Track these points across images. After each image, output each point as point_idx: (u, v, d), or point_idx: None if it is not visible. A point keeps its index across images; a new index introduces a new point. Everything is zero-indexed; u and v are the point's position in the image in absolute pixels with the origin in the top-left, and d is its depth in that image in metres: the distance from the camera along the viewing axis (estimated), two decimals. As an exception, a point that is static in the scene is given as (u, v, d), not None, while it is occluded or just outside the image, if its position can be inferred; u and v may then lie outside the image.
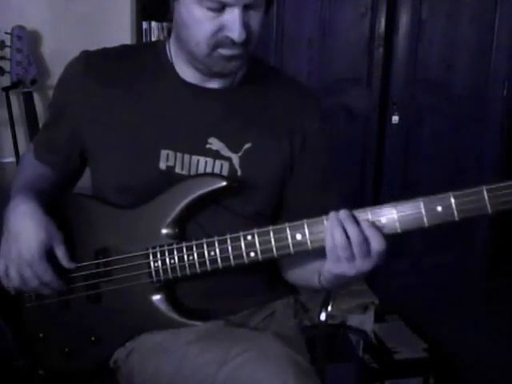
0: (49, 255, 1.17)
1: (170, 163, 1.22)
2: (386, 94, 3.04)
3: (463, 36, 3.05)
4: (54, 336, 1.26)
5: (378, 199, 3.05)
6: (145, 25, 2.58)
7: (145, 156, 1.22)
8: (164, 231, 1.19)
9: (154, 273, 1.19)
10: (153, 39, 2.57)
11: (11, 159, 2.48)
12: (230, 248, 1.13)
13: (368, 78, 3.01)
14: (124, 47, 1.33)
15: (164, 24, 2.56)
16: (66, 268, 1.19)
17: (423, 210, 1.03)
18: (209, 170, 1.22)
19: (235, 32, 1.10)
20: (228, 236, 1.13)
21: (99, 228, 1.24)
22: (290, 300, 1.38)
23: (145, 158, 1.22)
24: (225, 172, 1.21)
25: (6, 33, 2.38)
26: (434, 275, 3.22)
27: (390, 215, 1.04)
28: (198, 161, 1.22)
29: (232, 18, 1.10)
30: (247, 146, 1.22)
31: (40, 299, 1.25)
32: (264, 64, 1.33)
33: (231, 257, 1.13)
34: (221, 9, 1.10)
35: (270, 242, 1.11)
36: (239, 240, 1.13)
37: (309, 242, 1.08)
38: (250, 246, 1.12)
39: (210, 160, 1.22)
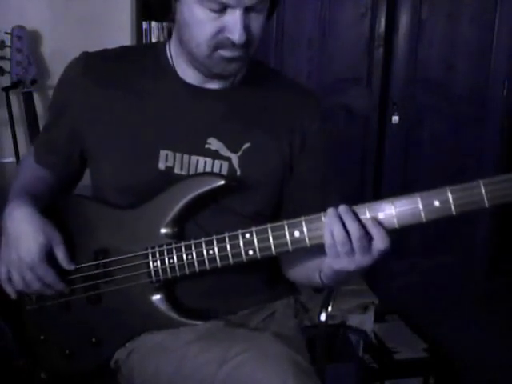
0: (49, 257, 1.17)
1: (169, 163, 1.22)
2: (386, 94, 3.04)
3: (463, 36, 3.05)
4: (55, 338, 1.26)
5: (378, 199, 3.05)
6: (145, 25, 2.58)
7: (144, 156, 1.22)
8: (163, 231, 1.19)
9: (153, 273, 1.19)
10: (153, 39, 2.57)
11: (11, 159, 2.48)
12: (228, 246, 1.13)
13: (368, 78, 3.01)
14: (124, 48, 1.34)
15: (164, 24, 2.56)
16: (66, 269, 1.20)
17: (420, 205, 1.03)
18: (208, 169, 1.22)
19: (236, 34, 1.10)
20: (226, 234, 1.13)
21: (98, 229, 1.24)
22: (290, 300, 1.38)
23: (144, 159, 1.22)
24: (224, 172, 1.21)
25: (6, 33, 2.38)
26: (434, 275, 3.23)
27: (387, 211, 1.04)
28: (198, 161, 1.22)
29: (233, 19, 1.10)
30: (246, 145, 1.22)
31: (40, 301, 1.25)
32: (264, 66, 1.34)
33: (230, 255, 1.13)
34: (222, 10, 1.10)
35: (269, 239, 1.11)
36: (237, 238, 1.13)
37: (307, 238, 1.09)
38: (249, 244, 1.12)
39: (209, 160, 1.22)
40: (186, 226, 1.21)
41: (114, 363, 1.26)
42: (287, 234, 1.09)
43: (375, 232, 1.02)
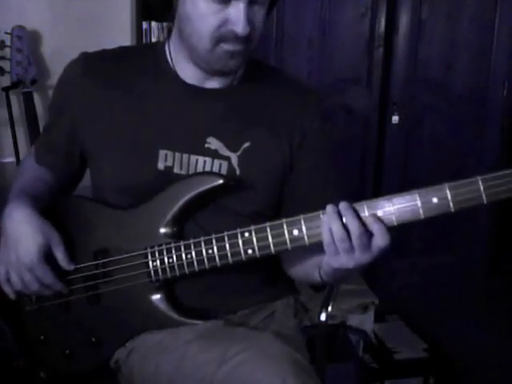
0: (48, 258, 1.17)
1: (169, 163, 1.22)
2: (386, 94, 3.04)
3: (463, 36, 3.05)
4: (55, 338, 1.26)
5: (378, 199, 3.05)
6: (145, 25, 2.58)
7: (143, 156, 1.22)
8: (162, 230, 1.19)
9: (152, 272, 1.19)
10: (153, 39, 2.57)
11: (11, 159, 2.48)
12: (227, 245, 1.13)
13: (368, 78, 3.01)
14: (123, 48, 1.34)
15: (164, 24, 2.56)
16: (66, 269, 1.20)
17: (419, 202, 1.03)
18: (207, 169, 1.22)
19: (239, 25, 1.10)
20: (225, 233, 1.13)
21: (98, 229, 1.24)
22: (290, 300, 1.38)
23: (143, 159, 1.22)
24: (223, 171, 1.21)
25: (6, 33, 2.39)
26: (434, 275, 3.23)
27: (386, 208, 1.04)
28: (197, 160, 1.22)
29: (237, 11, 1.10)
30: (246, 145, 1.22)
31: (40, 302, 1.25)
32: (263, 64, 1.33)
33: (229, 254, 1.13)
34: (226, 2, 1.10)
35: (267, 238, 1.11)
36: (236, 237, 1.13)
37: (306, 237, 1.08)
38: (248, 242, 1.12)
39: (208, 159, 1.22)
40: (185, 225, 1.21)
41: (113, 363, 1.26)
42: (286, 232, 1.09)
43: (376, 228, 1.02)
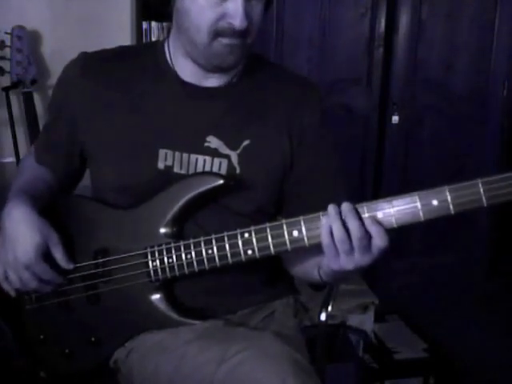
0: (46, 257, 1.17)
1: (169, 163, 1.22)
2: (386, 94, 3.04)
3: (463, 36, 3.05)
4: (55, 337, 1.26)
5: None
6: (145, 25, 2.58)
7: (143, 156, 1.22)
8: (162, 230, 1.19)
9: (152, 272, 1.19)
10: (153, 39, 2.57)
11: (11, 159, 2.48)
12: (227, 246, 1.13)
13: (368, 78, 3.01)
14: (122, 48, 1.34)
15: (164, 24, 2.56)
16: (65, 269, 1.20)
17: (419, 204, 1.03)
18: (207, 168, 1.21)
19: (237, 19, 1.10)
20: (225, 234, 1.13)
21: (98, 229, 1.24)
22: (290, 300, 1.38)
23: (143, 158, 1.22)
24: (223, 170, 1.21)
25: (6, 33, 2.39)
26: (434, 275, 3.22)
27: (386, 210, 1.04)
28: (197, 159, 1.22)
29: (235, 5, 1.10)
30: (246, 143, 1.22)
31: (40, 301, 1.25)
32: (263, 59, 1.33)
33: (229, 255, 1.13)
34: None
35: (267, 238, 1.10)
36: (236, 238, 1.12)
37: (306, 238, 1.08)
38: (248, 243, 1.12)
39: (208, 158, 1.22)
40: (185, 225, 1.21)
41: (113, 363, 1.26)
42: (286, 233, 1.09)
43: (374, 230, 1.02)
